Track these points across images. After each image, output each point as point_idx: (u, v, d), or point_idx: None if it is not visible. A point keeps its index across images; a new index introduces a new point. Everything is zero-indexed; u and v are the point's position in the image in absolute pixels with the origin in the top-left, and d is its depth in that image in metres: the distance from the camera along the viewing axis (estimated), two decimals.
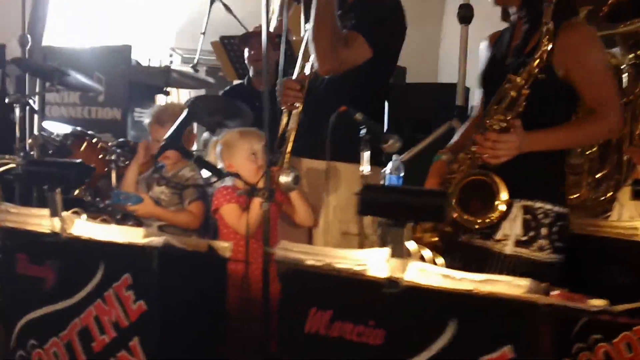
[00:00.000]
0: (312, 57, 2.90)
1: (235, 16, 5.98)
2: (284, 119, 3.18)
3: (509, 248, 2.37)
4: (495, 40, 2.66)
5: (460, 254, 2.50)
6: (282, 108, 3.15)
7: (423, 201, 1.67)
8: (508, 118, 2.33)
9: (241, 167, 2.91)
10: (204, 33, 5.75)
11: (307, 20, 5.34)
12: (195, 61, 5.67)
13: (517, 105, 2.34)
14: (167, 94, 5.89)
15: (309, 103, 3.04)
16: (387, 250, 1.80)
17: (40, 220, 2.40)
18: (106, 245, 2.25)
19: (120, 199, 2.99)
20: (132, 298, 2.20)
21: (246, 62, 4.72)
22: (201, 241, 2.45)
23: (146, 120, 3.32)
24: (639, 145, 3.08)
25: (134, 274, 2.20)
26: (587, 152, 3.24)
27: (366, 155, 2.51)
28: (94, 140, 4.04)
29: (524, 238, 2.37)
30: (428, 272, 1.69)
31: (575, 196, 3.15)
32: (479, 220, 2.40)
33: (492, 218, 2.37)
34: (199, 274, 2.35)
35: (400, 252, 1.68)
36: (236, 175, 2.49)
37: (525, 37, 2.49)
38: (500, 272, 2.27)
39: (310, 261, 1.92)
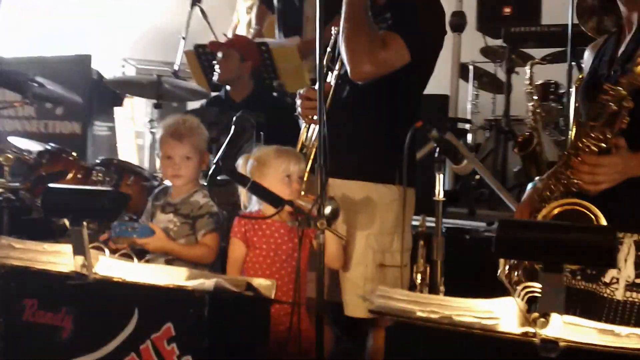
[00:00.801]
0: (344, 62, 2.60)
1: (209, 23, 5.69)
2: (303, 134, 2.89)
3: (620, 293, 2.06)
4: (599, 49, 2.36)
5: None
6: (303, 121, 2.86)
7: (588, 240, 1.36)
8: (608, 136, 2.01)
9: (272, 190, 2.60)
10: (184, 38, 5.41)
11: (280, 29, 5.18)
12: (177, 68, 5.31)
13: (618, 120, 1.99)
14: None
15: (333, 115, 2.75)
16: (517, 300, 1.52)
17: (56, 258, 2.02)
18: (143, 289, 1.89)
19: (126, 230, 2.59)
20: (175, 352, 1.85)
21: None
22: (239, 279, 2.11)
23: (157, 134, 2.93)
24: None
25: (178, 323, 1.85)
26: None
27: (440, 179, 2.22)
28: (72, 158, 3.62)
29: (639, 280, 2.05)
30: (581, 327, 1.42)
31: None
32: None
33: None
34: (245, 320, 2.01)
35: (553, 303, 1.39)
36: (290, 204, 2.14)
37: (632, 44, 2.19)
38: (613, 322, 1.99)
39: (421, 313, 1.61)
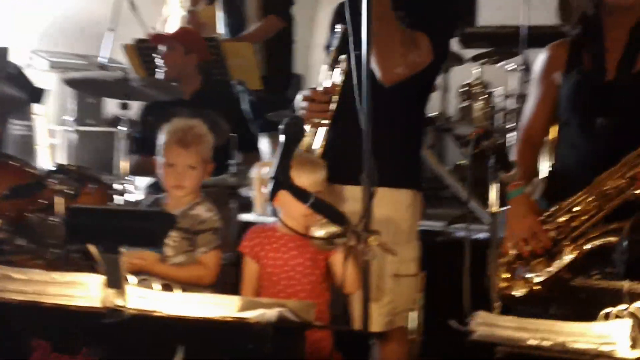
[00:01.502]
0: (373, 63, 2.36)
1: (138, 15, 5.31)
2: (307, 139, 2.64)
3: None
4: (571, 51, 2.36)
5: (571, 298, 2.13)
6: (307, 125, 2.61)
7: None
8: None
9: (286, 203, 2.34)
10: (112, 30, 5.01)
11: (226, 19, 4.90)
12: (105, 61, 4.92)
13: None
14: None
15: (342, 118, 2.54)
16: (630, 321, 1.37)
17: (71, 290, 1.69)
18: (189, 323, 1.60)
19: None
20: None
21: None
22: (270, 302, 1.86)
23: (160, 140, 2.60)
24: None
25: None
26: None
27: (495, 188, 2.03)
28: (16, 164, 3.21)
29: None
30: None
31: None
32: None
33: None
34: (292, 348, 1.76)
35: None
36: (345, 222, 1.84)
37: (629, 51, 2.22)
38: None
39: (533, 340, 1.43)
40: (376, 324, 2.42)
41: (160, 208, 1.61)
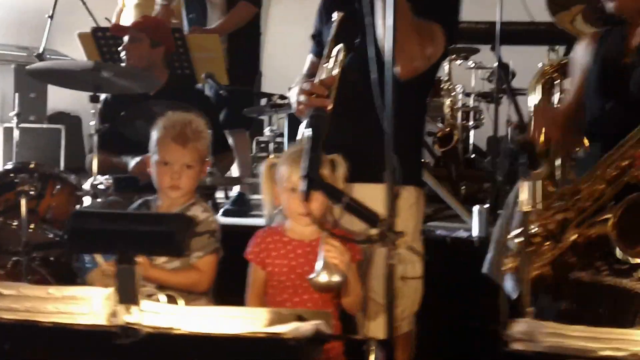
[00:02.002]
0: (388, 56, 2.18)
1: (85, 4, 5.06)
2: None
3: None
4: (599, 40, 2.36)
5: (578, 294, 2.05)
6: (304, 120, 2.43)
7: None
8: None
9: (283, 202, 2.16)
10: (51, 17, 4.73)
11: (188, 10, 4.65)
12: (41, 50, 4.67)
13: None
14: None
15: (342, 111, 2.37)
16: None
17: (71, 307, 1.48)
18: (216, 341, 1.42)
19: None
20: None
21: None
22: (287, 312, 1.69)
23: (153, 136, 2.37)
24: None
25: None
26: None
27: (527, 186, 1.89)
28: None
29: None
30: None
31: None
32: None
33: None
34: None
35: None
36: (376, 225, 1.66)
37: None
38: None
39: (607, 351, 1.30)
40: (384, 331, 2.27)
41: (180, 213, 1.39)
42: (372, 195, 2.31)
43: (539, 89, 2.74)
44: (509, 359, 1.74)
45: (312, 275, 2.06)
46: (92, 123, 3.07)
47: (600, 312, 2.12)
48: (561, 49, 5.44)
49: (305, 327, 1.42)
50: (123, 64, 3.76)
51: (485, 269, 2.87)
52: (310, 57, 2.71)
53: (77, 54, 5.38)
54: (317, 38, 2.64)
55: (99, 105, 3.19)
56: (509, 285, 2.77)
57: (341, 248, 2.08)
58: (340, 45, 2.37)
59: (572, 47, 3.84)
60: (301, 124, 2.49)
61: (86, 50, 4.39)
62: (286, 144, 3.60)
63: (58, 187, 2.91)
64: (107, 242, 1.36)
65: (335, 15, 2.37)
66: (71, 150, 6.59)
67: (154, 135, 2.37)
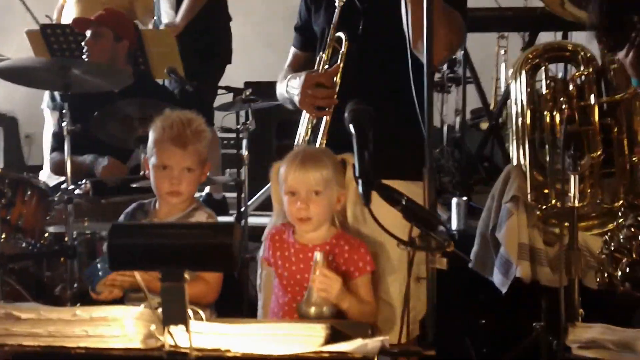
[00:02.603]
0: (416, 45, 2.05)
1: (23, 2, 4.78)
2: (304, 130, 2.34)
3: None
4: None
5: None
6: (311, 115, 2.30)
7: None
8: None
9: (284, 206, 2.05)
10: None
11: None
12: None
13: None
14: None
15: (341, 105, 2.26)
16: None
17: (104, 330, 1.31)
18: None
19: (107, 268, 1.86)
20: None
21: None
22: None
23: (151, 137, 2.16)
24: None
25: None
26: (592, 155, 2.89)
27: (574, 179, 1.80)
28: None
29: None
30: None
31: (579, 205, 2.76)
32: None
33: None
34: None
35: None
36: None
37: None
38: None
39: None
40: (397, 337, 2.16)
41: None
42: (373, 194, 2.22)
43: (524, 75, 2.68)
44: None
45: (300, 305, 1.95)
46: (65, 124, 2.85)
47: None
48: (512, 36, 5.43)
49: (372, 344, 1.30)
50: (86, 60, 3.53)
51: (471, 263, 2.80)
52: (293, 50, 2.58)
53: (11, 53, 5.15)
54: (302, 30, 2.51)
55: (64, 105, 2.96)
56: (497, 279, 2.71)
57: (333, 277, 1.95)
58: (341, 34, 2.25)
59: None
60: (303, 118, 2.38)
61: (35, 49, 4.15)
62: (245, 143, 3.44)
63: (28, 193, 2.69)
64: (152, 257, 1.20)
65: (337, 2, 2.24)
66: (10, 152, 6.30)
67: (151, 136, 2.18)
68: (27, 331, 1.34)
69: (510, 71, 3.97)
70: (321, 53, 2.32)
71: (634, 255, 2.02)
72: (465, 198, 3.69)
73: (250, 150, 3.45)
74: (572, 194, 1.80)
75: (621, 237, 2.04)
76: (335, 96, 2.24)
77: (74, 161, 3.31)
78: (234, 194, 3.76)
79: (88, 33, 3.60)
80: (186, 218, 2.13)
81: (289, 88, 2.35)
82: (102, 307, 1.36)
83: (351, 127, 1.61)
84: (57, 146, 3.52)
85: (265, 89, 4.16)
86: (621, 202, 2.72)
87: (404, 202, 1.44)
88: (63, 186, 2.75)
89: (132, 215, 2.20)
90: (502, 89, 5.25)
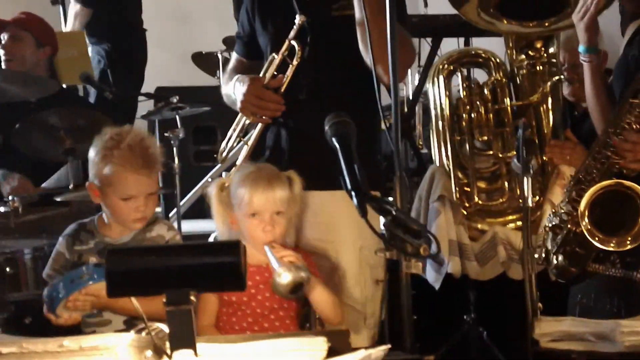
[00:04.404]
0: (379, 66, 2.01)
1: None
2: (235, 135, 2.35)
3: None
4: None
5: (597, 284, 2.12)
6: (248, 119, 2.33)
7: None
8: None
9: (243, 229, 2.01)
10: None
11: None
12: None
13: None
14: None
15: (295, 116, 2.26)
16: None
17: (102, 358, 1.24)
18: None
19: (81, 279, 1.75)
20: None
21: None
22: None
23: (105, 168, 1.99)
24: (555, 145, 2.89)
25: None
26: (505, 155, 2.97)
27: (527, 181, 1.85)
28: None
29: None
30: None
31: (497, 202, 2.84)
32: (614, 241, 1.99)
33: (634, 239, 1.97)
34: None
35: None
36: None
37: None
38: None
39: None
40: (365, 339, 2.17)
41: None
42: (327, 202, 2.21)
43: (442, 80, 2.75)
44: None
45: (274, 279, 1.88)
46: None
47: (616, 304, 2.14)
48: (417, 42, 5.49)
49: (376, 354, 1.30)
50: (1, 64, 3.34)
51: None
52: (236, 56, 2.55)
53: None
54: (245, 39, 2.49)
55: None
56: (430, 276, 2.76)
57: (290, 250, 1.97)
58: (295, 43, 2.24)
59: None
60: (236, 123, 2.36)
61: None
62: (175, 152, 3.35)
63: None
64: (154, 281, 1.15)
65: (298, 19, 2.22)
66: None
67: (106, 167, 1.99)
68: None
69: (417, 75, 4.09)
70: (274, 54, 2.30)
71: (571, 228, 2.11)
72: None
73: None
74: (526, 195, 1.87)
75: (562, 212, 2.13)
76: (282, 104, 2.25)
77: None
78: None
79: (4, 36, 3.40)
80: (144, 233, 2.03)
81: (236, 90, 2.32)
82: (91, 335, 1.30)
83: (334, 140, 1.58)
84: None
85: (190, 94, 4.10)
86: (537, 198, 2.83)
87: (394, 212, 1.43)
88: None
89: (74, 237, 2.06)
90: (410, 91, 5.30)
